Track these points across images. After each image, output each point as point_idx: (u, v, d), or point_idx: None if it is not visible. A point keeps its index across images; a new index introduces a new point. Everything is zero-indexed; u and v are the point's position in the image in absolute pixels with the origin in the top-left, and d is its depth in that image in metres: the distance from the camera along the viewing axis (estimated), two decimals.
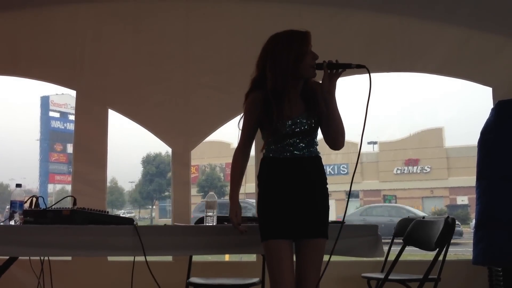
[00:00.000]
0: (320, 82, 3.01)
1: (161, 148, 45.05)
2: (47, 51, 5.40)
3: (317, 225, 3.00)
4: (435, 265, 3.51)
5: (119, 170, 46.71)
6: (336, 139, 3.03)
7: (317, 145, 3.10)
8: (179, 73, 5.52)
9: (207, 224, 3.59)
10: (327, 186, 3.11)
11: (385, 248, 3.79)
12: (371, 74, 2.90)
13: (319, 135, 3.13)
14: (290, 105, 2.99)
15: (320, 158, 3.10)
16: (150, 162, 46.05)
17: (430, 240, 3.60)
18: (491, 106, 5.23)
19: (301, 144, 3.03)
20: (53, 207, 3.38)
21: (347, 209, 3.34)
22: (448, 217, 3.58)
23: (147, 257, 3.16)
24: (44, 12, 5.39)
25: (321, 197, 3.05)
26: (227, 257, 8.84)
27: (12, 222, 3.19)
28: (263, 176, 3.11)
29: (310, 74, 3.00)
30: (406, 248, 4.04)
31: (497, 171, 4.83)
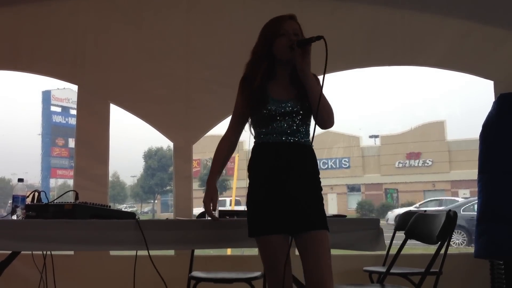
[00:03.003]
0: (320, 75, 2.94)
1: (163, 142, 45.11)
2: (49, 46, 5.41)
3: (318, 217, 2.83)
4: (436, 258, 3.52)
5: (121, 164, 46.74)
6: (319, 116, 2.82)
7: (309, 135, 2.96)
8: (180, 67, 5.53)
9: (208, 218, 3.59)
10: (319, 177, 2.97)
11: (387, 241, 3.79)
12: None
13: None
14: (279, 88, 2.96)
15: (312, 148, 2.96)
16: (152, 157, 46.09)
17: (432, 233, 3.61)
18: (493, 99, 5.24)
19: (291, 128, 2.89)
20: (55, 201, 3.39)
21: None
22: (449, 210, 3.59)
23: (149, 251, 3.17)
24: (46, 7, 5.39)
25: (316, 187, 2.91)
26: (229, 251, 8.85)
27: (14, 217, 3.19)
28: (254, 164, 2.97)
29: (284, 55, 2.91)
30: (407, 242, 4.05)
31: (499, 165, 4.83)
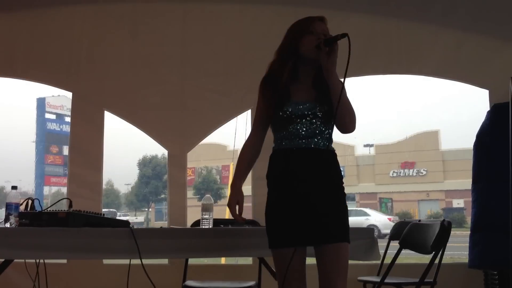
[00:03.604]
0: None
1: (158, 150, 45.15)
2: (44, 53, 5.40)
3: (338, 229, 2.69)
4: (431, 268, 3.51)
5: (115, 172, 46.78)
6: (340, 118, 2.69)
7: (331, 141, 2.81)
8: (175, 75, 5.53)
9: (203, 226, 3.59)
10: (343, 185, 2.82)
11: (381, 251, 3.79)
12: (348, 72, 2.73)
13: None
14: (300, 90, 2.81)
15: (335, 153, 2.83)
16: (146, 165, 46.06)
17: (426, 243, 3.61)
18: (488, 109, 5.25)
19: (308, 132, 2.75)
20: (48, 209, 3.37)
21: None
22: (444, 220, 3.60)
23: (142, 260, 3.15)
24: (41, 14, 5.39)
25: (336, 196, 2.75)
26: (223, 260, 8.81)
27: (7, 225, 3.18)
28: (271, 172, 2.83)
29: (310, 54, 2.77)
30: (402, 251, 4.05)
31: (493, 174, 4.84)
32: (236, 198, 2.84)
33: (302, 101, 2.78)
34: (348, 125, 2.73)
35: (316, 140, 2.76)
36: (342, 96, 2.69)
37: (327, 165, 2.77)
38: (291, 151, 2.76)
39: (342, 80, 2.75)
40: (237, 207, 2.84)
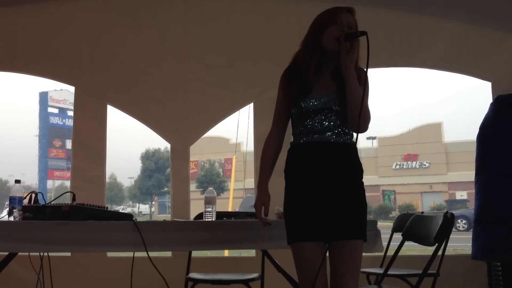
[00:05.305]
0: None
1: (160, 144, 45.28)
2: (46, 47, 5.39)
3: (352, 225, 2.64)
4: (434, 260, 3.52)
5: (118, 166, 46.89)
6: (353, 118, 2.63)
7: (350, 135, 2.75)
8: (178, 68, 5.52)
9: (206, 219, 3.59)
10: (363, 180, 2.77)
11: (384, 243, 3.80)
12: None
13: None
14: (321, 84, 2.74)
15: (354, 147, 2.73)
16: (149, 158, 46.16)
17: (429, 235, 3.61)
18: (490, 101, 5.23)
19: (324, 126, 2.69)
20: (52, 203, 3.39)
21: None
22: (447, 212, 3.59)
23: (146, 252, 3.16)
24: (43, 8, 5.38)
25: (353, 192, 2.69)
26: (226, 253, 8.82)
27: (11, 218, 3.19)
28: (288, 167, 2.78)
29: (330, 45, 2.70)
30: (405, 243, 4.05)
31: (496, 166, 4.83)
32: (262, 200, 2.80)
33: (320, 95, 2.72)
34: (360, 126, 2.61)
35: (331, 134, 2.70)
36: (354, 95, 2.65)
37: (344, 159, 2.70)
38: (308, 145, 2.72)
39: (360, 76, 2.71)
40: (263, 208, 2.80)
